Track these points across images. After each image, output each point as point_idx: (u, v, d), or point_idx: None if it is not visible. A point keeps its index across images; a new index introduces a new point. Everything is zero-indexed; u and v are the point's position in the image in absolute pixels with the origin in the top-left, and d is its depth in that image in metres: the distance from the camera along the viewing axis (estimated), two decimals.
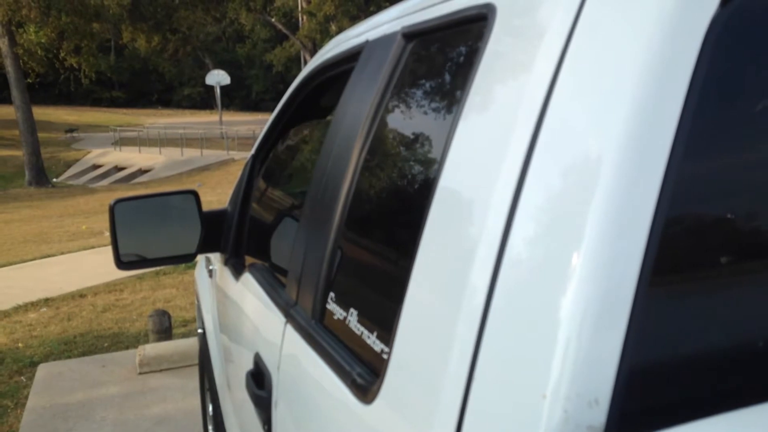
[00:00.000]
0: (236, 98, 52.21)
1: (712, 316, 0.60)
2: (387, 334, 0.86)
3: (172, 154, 24.75)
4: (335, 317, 1.07)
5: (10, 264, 8.60)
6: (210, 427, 2.91)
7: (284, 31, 38.12)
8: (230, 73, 34.42)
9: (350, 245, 1.12)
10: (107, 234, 10.44)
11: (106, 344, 5.15)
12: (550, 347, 0.57)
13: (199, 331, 3.03)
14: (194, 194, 1.98)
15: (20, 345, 5.21)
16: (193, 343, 4.50)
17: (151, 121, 37.64)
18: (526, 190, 0.64)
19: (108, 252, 7.41)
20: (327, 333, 1.07)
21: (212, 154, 23.83)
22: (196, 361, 4.24)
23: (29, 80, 23.58)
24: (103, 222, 12.32)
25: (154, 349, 4.43)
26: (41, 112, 31.22)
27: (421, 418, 0.71)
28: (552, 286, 0.58)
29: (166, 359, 4.37)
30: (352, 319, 1.00)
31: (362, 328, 0.96)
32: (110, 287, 7.11)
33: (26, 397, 4.09)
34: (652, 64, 0.58)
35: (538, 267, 0.60)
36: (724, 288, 0.61)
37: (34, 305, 6.45)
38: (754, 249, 0.61)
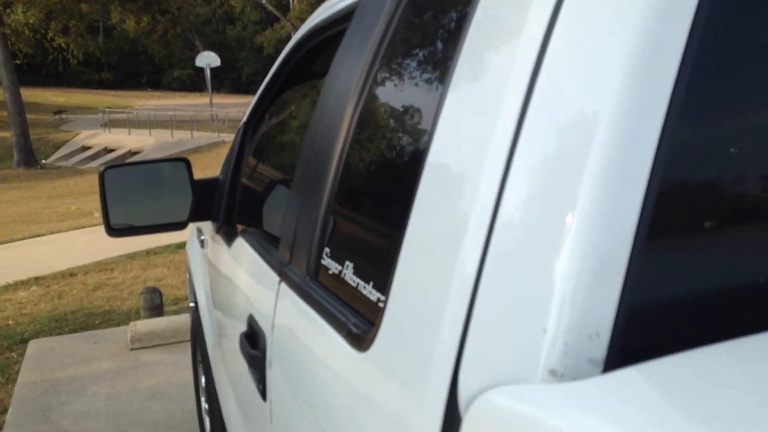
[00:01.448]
0: (226, 81, 51.87)
1: (709, 263, 0.60)
2: (383, 283, 0.86)
3: (162, 136, 24.60)
4: (330, 272, 1.06)
5: (0, 243, 8.55)
6: (203, 399, 2.92)
7: (275, 12, 37.84)
8: (220, 56, 34.13)
9: (345, 202, 1.11)
10: (97, 215, 10.42)
11: (97, 321, 5.14)
12: (550, 285, 0.57)
13: (191, 305, 3.03)
14: (185, 162, 1.97)
15: (10, 322, 5.20)
16: (184, 319, 4.50)
17: (141, 103, 37.37)
18: (520, 150, 0.63)
19: (98, 231, 7.42)
20: (321, 288, 1.07)
21: (203, 136, 23.71)
22: (188, 337, 4.24)
23: (17, 61, 23.38)
24: (93, 203, 12.26)
25: (145, 325, 4.42)
26: (29, 94, 30.89)
27: (419, 360, 0.70)
28: (552, 233, 0.58)
29: (157, 335, 4.37)
30: (348, 272, 1.00)
31: (358, 280, 0.96)
32: (101, 266, 7.09)
33: (17, 373, 4.08)
34: (648, 21, 0.57)
35: (536, 218, 0.60)
36: (721, 244, 0.61)
37: (24, 284, 6.43)
38: (751, 207, 0.61)
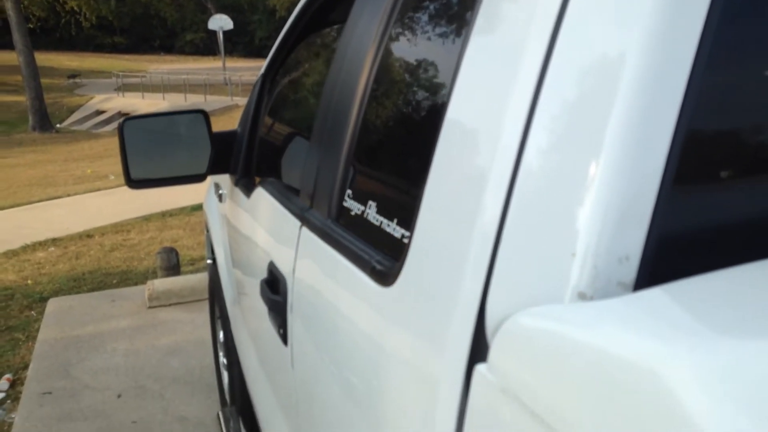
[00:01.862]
0: (239, 44, 51.53)
1: (735, 196, 0.59)
2: (408, 219, 0.86)
3: (176, 99, 24.55)
4: (352, 213, 1.06)
5: (17, 205, 8.64)
6: (221, 354, 2.95)
7: None
8: (233, 18, 33.84)
9: (367, 146, 1.10)
10: (113, 177, 10.47)
11: (114, 281, 5.20)
12: (580, 210, 0.56)
13: (208, 261, 3.05)
14: (204, 114, 1.96)
15: (29, 282, 5.26)
16: (201, 278, 4.53)
17: (154, 67, 37.28)
18: (545, 91, 0.62)
19: (114, 194, 7.49)
20: (344, 230, 1.07)
21: (216, 100, 23.64)
22: (205, 296, 4.28)
23: (30, 25, 23.32)
24: (109, 166, 12.32)
25: (163, 284, 4.46)
26: (43, 58, 30.89)
27: (446, 291, 0.70)
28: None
29: (175, 294, 4.41)
30: (371, 211, 0.99)
31: (381, 218, 0.95)
32: (117, 228, 7.15)
33: (37, 330, 4.14)
34: None
35: (564, 153, 0.59)
36: (745, 181, 0.59)
37: (42, 245, 6.49)
38: None
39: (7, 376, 3.56)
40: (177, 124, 2.00)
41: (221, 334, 2.86)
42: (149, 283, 4.52)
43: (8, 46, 26.58)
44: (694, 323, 0.47)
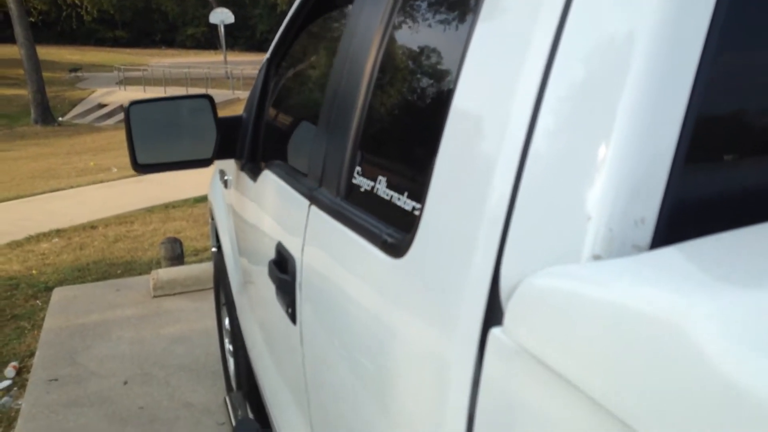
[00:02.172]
0: (240, 38, 51.37)
1: (748, 165, 0.59)
2: (418, 191, 0.86)
3: (177, 93, 24.48)
4: (362, 189, 1.07)
5: (20, 197, 8.65)
6: (227, 341, 2.96)
7: None
8: (234, 13, 33.72)
9: (377, 121, 1.11)
10: (115, 170, 10.46)
11: (119, 271, 5.21)
12: (595, 172, 0.56)
13: (213, 250, 3.06)
14: (209, 99, 1.96)
15: (34, 272, 5.28)
16: (205, 268, 4.54)
17: (156, 61, 37.23)
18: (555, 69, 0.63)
19: (117, 186, 7.49)
20: (353, 206, 1.08)
21: (218, 93, 23.56)
22: (210, 285, 4.29)
23: (32, 18, 23.27)
24: (111, 159, 12.33)
25: (167, 273, 4.48)
26: (44, 52, 30.83)
27: (460, 258, 0.71)
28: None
29: (179, 283, 4.43)
30: (380, 186, 1.00)
31: (391, 192, 0.96)
32: (120, 219, 7.16)
33: (43, 319, 4.16)
34: None
35: (582, 111, 0.59)
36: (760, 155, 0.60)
37: (45, 236, 6.51)
38: None
39: (14, 363, 3.58)
40: (182, 108, 2.01)
41: (227, 321, 2.88)
42: (154, 272, 4.54)
43: (10, 39, 26.55)
44: (712, 276, 0.48)
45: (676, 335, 0.42)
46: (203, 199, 7.91)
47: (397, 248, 0.86)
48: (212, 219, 2.98)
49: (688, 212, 0.56)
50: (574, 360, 0.50)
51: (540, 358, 0.54)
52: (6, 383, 3.41)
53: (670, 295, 0.45)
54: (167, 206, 7.75)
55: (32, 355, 3.67)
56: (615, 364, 0.46)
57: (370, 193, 1.03)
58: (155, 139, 1.92)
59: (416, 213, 0.86)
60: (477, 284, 0.67)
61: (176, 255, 4.80)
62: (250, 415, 2.21)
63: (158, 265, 5.05)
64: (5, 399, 3.24)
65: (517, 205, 0.64)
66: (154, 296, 4.40)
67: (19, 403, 3.17)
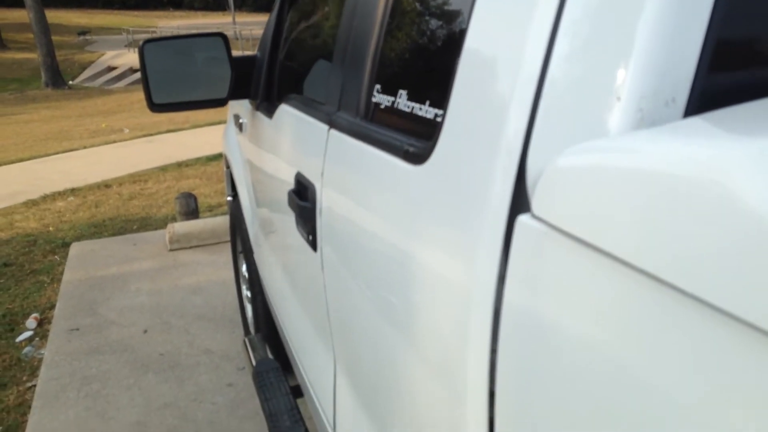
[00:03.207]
0: None
1: None
2: (440, 98, 0.85)
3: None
4: (382, 107, 1.06)
5: (34, 158, 8.69)
6: (244, 287, 2.99)
7: None
8: None
9: (396, 37, 1.09)
10: (127, 131, 10.47)
11: (135, 227, 5.25)
12: (623, 50, 0.55)
13: (229, 198, 3.07)
14: (223, 37, 1.94)
15: (51, 229, 5.33)
16: (221, 221, 4.57)
17: (164, 23, 36.95)
18: None
19: (130, 146, 7.51)
20: (374, 123, 1.07)
21: None
22: (225, 238, 4.33)
23: None
24: (123, 121, 12.34)
25: (183, 227, 4.50)
26: (52, 15, 30.66)
27: (486, 150, 0.70)
28: None
29: (195, 236, 4.45)
30: (401, 100, 0.99)
31: (412, 104, 0.95)
32: (134, 178, 7.18)
33: (61, 273, 4.20)
34: None
35: None
36: None
37: (61, 194, 6.55)
38: None
39: (35, 315, 3.63)
40: (196, 47, 1.99)
41: (244, 268, 2.90)
42: (169, 226, 4.56)
43: (18, 3, 26.41)
44: (748, 134, 0.46)
45: (716, 189, 0.41)
46: (216, 158, 7.92)
47: (419, 156, 0.86)
48: (227, 168, 2.98)
49: (719, 92, 0.55)
50: (612, 229, 0.49)
51: (574, 235, 0.53)
52: (28, 334, 3.47)
53: (706, 151, 0.44)
54: (180, 165, 7.77)
55: (52, 307, 3.72)
56: (655, 227, 0.45)
57: (391, 108, 1.02)
58: (170, 79, 1.91)
59: (438, 120, 0.85)
60: (503, 174, 0.66)
61: (191, 210, 4.82)
62: (270, 356, 2.23)
63: (173, 220, 5.07)
64: (28, 349, 3.30)
65: (545, 92, 0.63)
66: (170, 250, 4.43)
67: (42, 352, 3.22)
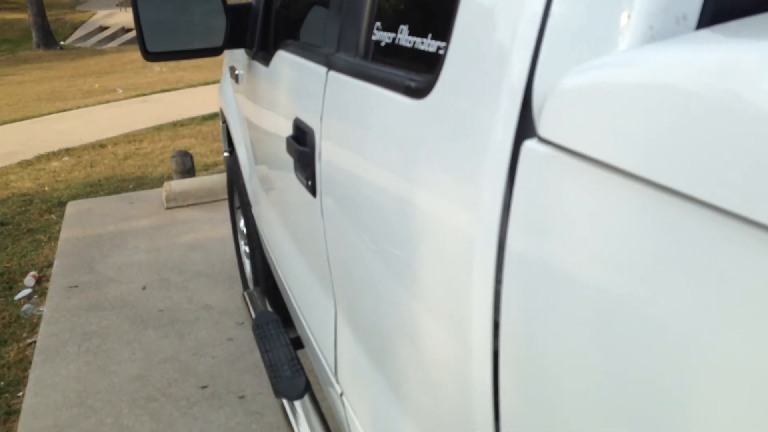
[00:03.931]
0: None
1: None
2: (443, 30, 0.83)
3: None
4: (382, 44, 1.03)
5: (28, 118, 8.60)
6: (242, 243, 2.98)
7: None
8: None
9: None
10: (121, 91, 10.35)
11: (131, 186, 5.22)
12: None
13: (226, 154, 3.04)
14: None
15: (46, 188, 5.30)
16: (218, 179, 4.55)
17: None
18: None
19: (124, 106, 7.42)
20: (374, 62, 1.05)
21: None
22: (222, 196, 4.31)
23: None
24: (116, 81, 12.19)
25: (179, 185, 4.48)
26: None
27: (490, 76, 0.68)
28: None
29: (191, 194, 4.44)
30: (402, 36, 0.97)
31: (413, 39, 0.93)
32: (129, 138, 7.12)
33: (58, 232, 4.19)
34: None
35: None
36: None
37: (55, 154, 6.50)
38: None
39: (33, 273, 3.63)
40: None
41: (242, 223, 2.89)
42: (166, 184, 4.54)
43: None
44: (759, 42, 0.45)
45: (729, 96, 0.40)
46: (211, 117, 7.84)
47: (421, 90, 0.84)
48: (223, 122, 2.95)
49: (731, 9, 0.53)
50: (624, 144, 0.48)
51: (584, 153, 0.52)
52: (26, 291, 3.47)
53: (716, 55, 0.43)
54: (175, 124, 7.70)
55: (50, 265, 3.72)
56: (668, 139, 0.44)
57: (391, 45, 1.00)
58: (164, 27, 1.87)
59: (441, 52, 0.83)
60: (509, 99, 0.64)
61: (187, 168, 4.79)
62: (269, 309, 2.24)
63: (169, 179, 5.04)
64: (27, 306, 3.30)
65: (552, 12, 0.61)
66: (167, 208, 4.42)
67: (41, 309, 3.23)
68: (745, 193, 0.38)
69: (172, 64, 14.02)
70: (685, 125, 0.43)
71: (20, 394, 2.56)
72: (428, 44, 0.88)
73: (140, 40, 1.82)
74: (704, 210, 0.41)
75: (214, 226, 4.05)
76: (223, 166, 5.65)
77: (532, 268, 0.60)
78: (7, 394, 2.58)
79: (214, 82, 9.89)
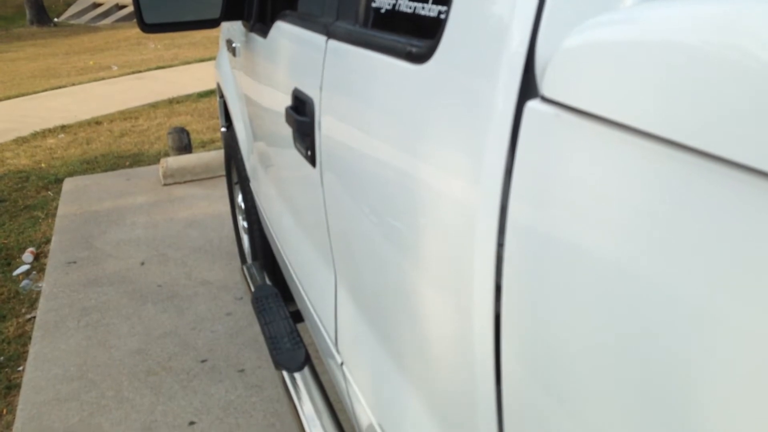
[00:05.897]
0: None
1: None
2: None
3: None
4: (382, 11, 1.03)
5: (23, 95, 8.55)
6: (240, 218, 2.98)
7: None
8: None
9: None
10: (116, 68, 10.27)
11: (127, 163, 5.21)
12: None
13: (223, 129, 3.03)
14: None
15: (43, 165, 5.28)
16: (215, 155, 4.53)
17: None
18: None
19: (119, 83, 7.37)
20: (375, 28, 1.04)
21: None
22: (219, 173, 4.31)
23: None
24: (110, 58, 12.10)
25: (176, 161, 4.47)
26: None
27: (492, 40, 0.68)
28: None
29: (188, 171, 4.42)
30: (402, 1, 0.96)
31: (414, 3, 0.92)
32: (125, 115, 7.09)
33: (56, 209, 4.18)
34: None
35: None
36: None
37: (51, 131, 6.47)
38: None
39: (31, 249, 3.63)
40: None
41: (240, 198, 2.89)
42: (163, 161, 4.52)
43: None
44: None
45: (734, 47, 0.40)
46: (207, 94, 7.81)
47: (422, 55, 0.83)
48: (220, 97, 2.93)
49: None
50: (630, 100, 0.48)
51: (588, 111, 0.52)
52: (25, 267, 3.47)
53: (719, 8, 0.43)
54: (171, 101, 7.66)
55: (48, 241, 3.71)
56: (673, 91, 0.44)
57: (392, 11, 0.99)
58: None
59: (442, 16, 0.83)
60: (511, 60, 0.64)
61: (184, 145, 4.78)
62: (268, 283, 2.24)
63: (166, 156, 5.03)
64: (25, 282, 3.31)
65: None
66: (164, 184, 4.41)
67: (40, 285, 3.23)
68: (752, 143, 0.38)
69: (167, 41, 13.92)
70: (689, 78, 0.43)
71: (20, 368, 2.57)
72: (429, 9, 0.88)
73: (137, 12, 1.80)
74: (712, 164, 0.41)
75: (212, 202, 4.04)
76: (219, 143, 5.63)
77: (535, 230, 0.60)
78: (7, 369, 2.60)
79: (209, 59, 9.83)
